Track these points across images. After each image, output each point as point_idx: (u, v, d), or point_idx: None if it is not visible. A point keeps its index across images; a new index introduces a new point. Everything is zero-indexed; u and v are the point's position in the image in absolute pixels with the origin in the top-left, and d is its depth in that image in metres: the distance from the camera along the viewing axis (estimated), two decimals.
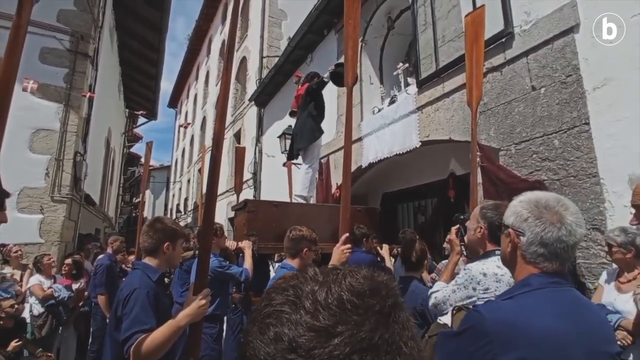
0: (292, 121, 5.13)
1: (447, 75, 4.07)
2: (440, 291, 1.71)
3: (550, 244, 0.92)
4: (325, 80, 4.18)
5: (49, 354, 3.58)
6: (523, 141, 3.21)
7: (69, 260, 4.59)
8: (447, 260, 2.16)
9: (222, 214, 10.25)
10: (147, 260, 1.77)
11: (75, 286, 4.36)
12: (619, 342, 2.07)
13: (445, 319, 1.43)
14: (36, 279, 4.04)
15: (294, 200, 4.29)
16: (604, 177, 2.65)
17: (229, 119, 11.39)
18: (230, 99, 11.30)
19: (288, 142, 5.74)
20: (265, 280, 3.39)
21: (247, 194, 8.75)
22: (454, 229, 1.96)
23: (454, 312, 1.36)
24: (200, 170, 11.71)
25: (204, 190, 1.80)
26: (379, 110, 5.32)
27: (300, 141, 4.19)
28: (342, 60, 3.10)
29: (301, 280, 0.44)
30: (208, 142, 12.72)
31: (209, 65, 16.06)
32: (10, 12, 1.29)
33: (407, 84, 5.18)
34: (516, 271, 1.01)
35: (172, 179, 22.56)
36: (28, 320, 3.75)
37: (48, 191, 5.87)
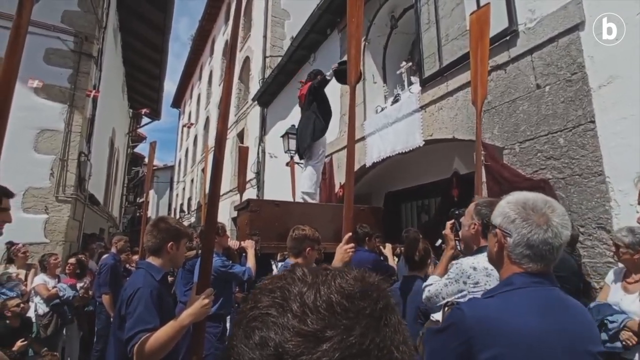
0: (295, 121, 5.13)
1: (451, 73, 4.05)
2: (433, 285, 1.74)
3: (536, 246, 0.94)
4: (328, 78, 4.17)
5: (54, 353, 3.60)
6: (527, 140, 3.19)
7: (72, 260, 4.62)
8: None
9: (226, 213, 10.27)
10: (151, 260, 1.77)
11: (79, 285, 4.39)
12: (624, 342, 2.06)
13: (437, 316, 1.44)
14: (40, 278, 4.07)
15: (299, 199, 4.30)
16: (610, 176, 2.63)
17: (232, 118, 11.41)
18: (233, 99, 11.33)
19: (291, 141, 5.74)
20: None
21: (251, 193, 8.77)
22: (448, 223, 1.97)
23: (445, 309, 1.37)
24: (203, 170, 11.73)
25: (207, 190, 1.80)
26: (382, 110, 5.30)
27: (304, 140, 4.20)
28: (345, 58, 3.09)
29: (289, 281, 0.42)
30: (211, 142, 12.74)
31: (212, 65, 16.10)
32: (11, 12, 1.28)
33: (410, 83, 5.16)
34: (502, 270, 1.03)
35: (175, 179, 22.65)
36: (33, 320, 3.78)
37: (53, 191, 5.90)
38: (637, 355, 2.06)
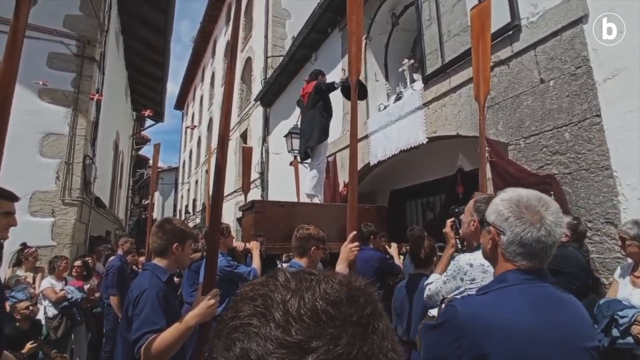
0: (298, 120, 5.12)
1: (453, 70, 4.03)
2: (434, 283, 1.75)
3: (530, 244, 0.94)
4: (336, 86, 4.17)
5: (64, 355, 3.63)
6: (532, 135, 3.16)
7: (78, 262, 4.65)
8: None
9: (230, 214, 10.30)
10: (157, 261, 1.77)
11: (86, 287, 4.42)
12: (636, 337, 2.03)
13: (434, 312, 1.44)
14: (47, 281, 4.10)
15: (304, 198, 4.32)
16: (617, 170, 2.60)
17: (235, 119, 11.43)
18: (236, 100, 11.34)
19: (295, 141, 5.73)
20: None
21: (255, 194, 8.78)
22: (449, 221, 1.97)
23: (443, 306, 1.37)
24: (207, 171, 11.77)
25: (211, 192, 1.80)
26: (385, 107, 5.29)
27: (310, 139, 4.20)
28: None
29: (271, 288, 0.40)
30: (215, 143, 12.77)
31: (214, 66, 16.12)
32: (9, 16, 1.27)
33: (412, 80, 5.14)
34: (496, 267, 1.04)
35: (180, 181, 22.74)
36: (43, 322, 3.81)
37: (59, 194, 5.95)
38: None
